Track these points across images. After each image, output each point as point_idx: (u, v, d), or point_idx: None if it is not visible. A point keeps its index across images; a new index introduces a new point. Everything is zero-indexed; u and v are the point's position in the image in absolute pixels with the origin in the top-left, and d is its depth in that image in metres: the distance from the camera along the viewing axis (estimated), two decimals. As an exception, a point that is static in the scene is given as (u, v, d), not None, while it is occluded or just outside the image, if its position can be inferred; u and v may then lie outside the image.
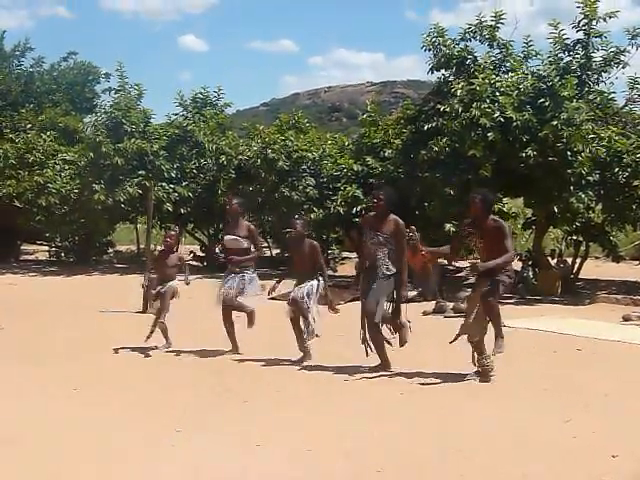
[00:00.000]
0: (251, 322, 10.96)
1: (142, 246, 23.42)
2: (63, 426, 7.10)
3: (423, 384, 8.87)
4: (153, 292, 11.48)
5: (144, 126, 24.76)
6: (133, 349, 11.03)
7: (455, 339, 9.29)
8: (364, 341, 9.77)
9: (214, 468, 5.94)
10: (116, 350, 10.93)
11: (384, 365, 9.62)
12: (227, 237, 10.99)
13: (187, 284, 11.37)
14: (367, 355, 9.66)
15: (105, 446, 6.48)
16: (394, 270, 9.47)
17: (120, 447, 6.45)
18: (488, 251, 9.04)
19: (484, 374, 9.09)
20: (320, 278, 10.44)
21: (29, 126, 27.07)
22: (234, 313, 10.98)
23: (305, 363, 10.20)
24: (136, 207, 23.84)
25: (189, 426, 7.04)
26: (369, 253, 9.62)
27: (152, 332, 11.13)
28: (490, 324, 9.10)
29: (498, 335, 9.14)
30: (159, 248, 16.60)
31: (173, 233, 12.09)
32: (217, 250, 11.05)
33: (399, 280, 9.54)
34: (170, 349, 11.03)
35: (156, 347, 11.06)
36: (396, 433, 6.88)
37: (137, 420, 7.31)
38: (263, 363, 10.17)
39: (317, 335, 10.38)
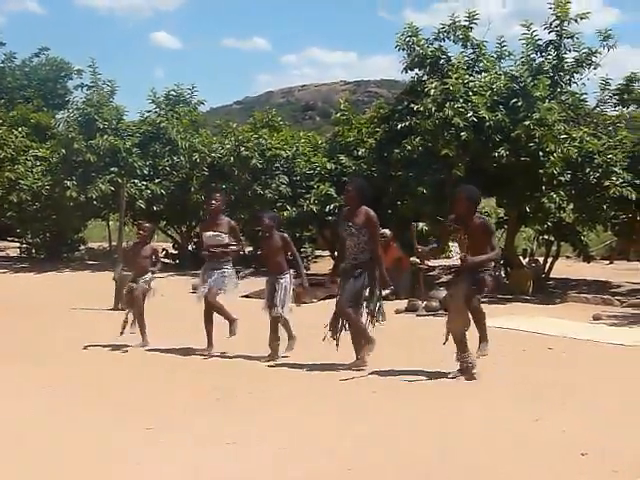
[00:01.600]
0: (232, 332, 10.90)
1: (114, 243, 23.28)
2: (32, 424, 7.06)
3: (395, 383, 8.89)
4: (125, 289, 11.49)
5: (117, 123, 24.64)
6: (104, 347, 11.00)
7: (447, 339, 9.30)
8: (333, 334, 9.80)
9: (185, 465, 5.93)
10: (86, 347, 10.89)
11: (367, 344, 9.63)
12: (207, 234, 10.91)
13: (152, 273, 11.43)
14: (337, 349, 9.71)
15: (83, 444, 6.45)
16: (362, 259, 9.50)
17: (88, 447, 6.42)
18: (473, 248, 9.05)
19: (467, 371, 9.12)
20: (291, 271, 10.51)
21: (0, 122, 26.85)
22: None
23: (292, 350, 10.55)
24: (108, 204, 23.71)
25: (163, 425, 7.01)
26: (344, 245, 9.67)
27: (124, 327, 11.16)
28: (474, 324, 9.15)
29: (483, 338, 9.19)
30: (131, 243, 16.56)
31: (147, 225, 12.07)
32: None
33: (376, 268, 9.54)
34: (146, 348, 11.01)
35: (127, 346, 11.05)
36: (369, 432, 6.89)
37: (112, 420, 7.28)
38: (242, 362, 10.16)
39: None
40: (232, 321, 10.90)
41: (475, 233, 9.04)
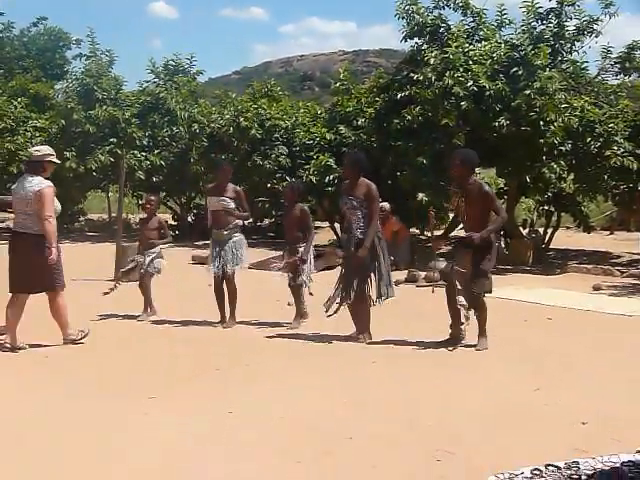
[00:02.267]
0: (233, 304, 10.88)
1: (114, 214, 23.27)
2: (31, 392, 7.07)
3: (395, 353, 8.90)
4: (131, 262, 11.50)
5: (116, 93, 24.64)
6: (104, 317, 11.01)
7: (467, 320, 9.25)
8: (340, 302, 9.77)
9: (185, 435, 5.94)
10: (86, 318, 10.89)
11: (363, 334, 9.61)
12: (213, 199, 10.70)
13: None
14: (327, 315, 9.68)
15: (76, 415, 6.46)
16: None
17: (91, 415, 6.43)
18: (472, 215, 8.99)
19: (456, 339, 9.13)
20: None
21: (-1, 92, 26.81)
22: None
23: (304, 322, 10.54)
24: (108, 175, 23.74)
25: (161, 395, 7.02)
26: (346, 218, 9.63)
27: (111, 290, 11.25)
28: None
29: (481, 335, 9.15)
30: (132, 217, 16.62)
31: (153, 198, 12.03)
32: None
33: (364, 241, 9.38)
34: (153, 318, 11.03)
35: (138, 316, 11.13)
36: (368, 402, 6.90)
37: (108, 388, 7.29)
38: (241, 333, 10.17)
39: (310, 293, 10.59)
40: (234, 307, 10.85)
41: (472, 198, 8.96)
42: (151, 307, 11.26)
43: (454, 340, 9.20)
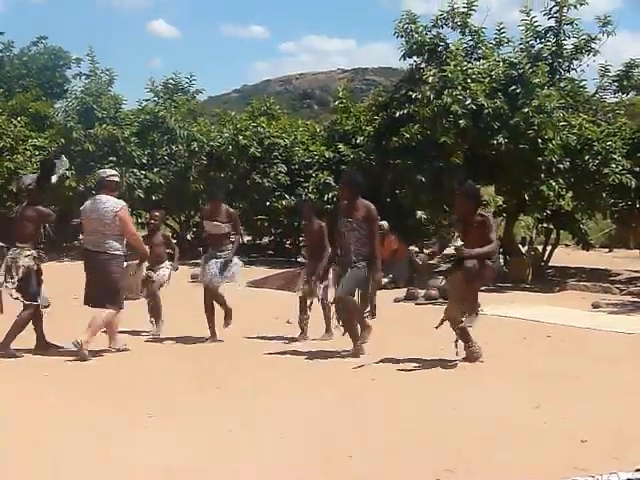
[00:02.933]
0: (228, 321, 10.90)
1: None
2: (32, 408, 7.06)
3: (395, 370, 8.89)
4: (141, 278, 11.53)
5: (115, 112, 24.64)
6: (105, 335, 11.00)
7: (440, 324, 9.29)
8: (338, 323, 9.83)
9: (186, 453, 5.93)
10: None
11: (357, 342, 9.62)
12: (207, 222, 10.90)
13: (175, 270, 11.48)
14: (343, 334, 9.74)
15: (78, 430, 6.45)
16: (364, 254, 9.42)
17: (92, 430, 6.42)
18: (471, 244, 9.02)
19: (472, 360, 9.13)
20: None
21: (-1, 111, 26.82)
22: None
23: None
24: (107, 193, 23.70)
25: (161, 411, 7.01)
26: (342, 240, 9.60)
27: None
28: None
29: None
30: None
31: (157, 214, 12.06)
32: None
33: (372, 265, 9.44)
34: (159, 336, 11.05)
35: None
36: (368, 419, 6.89)
37: (109, 405, 7.28)
38: (241, 349, 10.17)
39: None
40: (228, 310, 10.88)
41: (475, 230, 9.00)
42: (160, 319, 11.33)
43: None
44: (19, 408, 7.20)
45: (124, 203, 9.71)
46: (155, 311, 11.33)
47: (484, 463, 5.70)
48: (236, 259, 10.84)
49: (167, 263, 11.52)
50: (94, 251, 9.62)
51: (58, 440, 6.21)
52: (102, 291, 9.62)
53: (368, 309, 9.95)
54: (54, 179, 10.05)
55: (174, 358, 9.59)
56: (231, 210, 11.07)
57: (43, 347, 9.85)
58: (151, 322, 11.35)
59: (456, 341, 9.19)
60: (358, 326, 9.66)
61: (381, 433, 6.46)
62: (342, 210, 9.71)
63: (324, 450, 5.98)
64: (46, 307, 10.22)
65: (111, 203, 9.55)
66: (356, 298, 9.52)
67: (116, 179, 9.96)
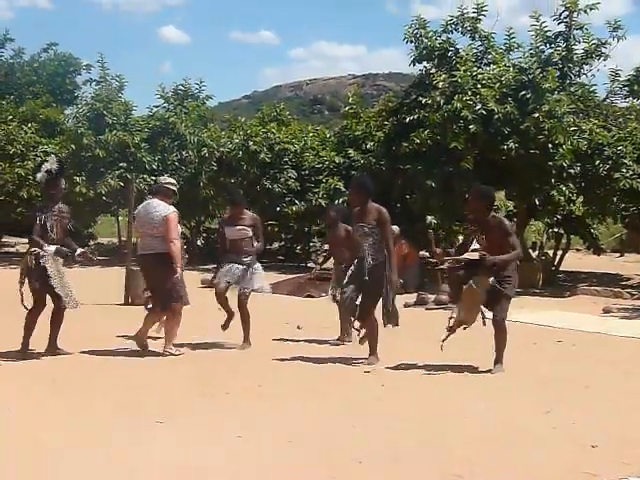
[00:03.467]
0: (226, 326, 10.89)
1: (124, 238, 23.33)
2: (36, 417, 7.07)
3: (404, 376, 8.88)
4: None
5: (125, 118, 24.71)
6: (112, 341, 11.00)
7: (450, 333, 9.24)
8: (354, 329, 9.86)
9: (192, 457, 5.93)
10: (94, 342, 10.89)
11: (372, 354, 9.61)
12: (229, 228, 10.76)
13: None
14: (361, 343, 9.74)
15: (84, 437, 6.45)
16: (381, 259, 9.41)
17: (100, 437, 6.42)
18: (491, 249, 8.96)
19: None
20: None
21: (10, 118, 26.87)
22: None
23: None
24: (117, 199, 23.78)
25: (170, 418, 7.01)
26: (357, 245, 9.58)
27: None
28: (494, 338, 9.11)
29: (498, 360, 9.10)
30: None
31: None
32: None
33: (389, 265, 9.39)
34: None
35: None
36: (377, 425, 6.88)
37: (117, 412, 7.28)
38: (247, 353, 10.18)
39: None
40: (230, 315, 10.87)
41: (492, 233, 8.97)
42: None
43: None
44: (21, 413, 7.21)
45: (175, 209, 10.13)
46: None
47: (493, 468, 5.69)
48: (259, 265, 10.84)
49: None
50: (146, 254, 10.11)
51: (65, 443, 6.22)
52: (160, 292, 10.02)
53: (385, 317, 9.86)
54: (39, 176, 10.07)
55: (183, 364, 9.58)
56: (255, 215, 11.04)
57: (53, 351, 9.87)
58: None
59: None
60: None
61: (390, 439, 6.44)
62: (355, 215, 9.71)
63: (333, 456, 5.98)
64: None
65: (162, 207, 9.98)
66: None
67: (173, 187, 10.41)
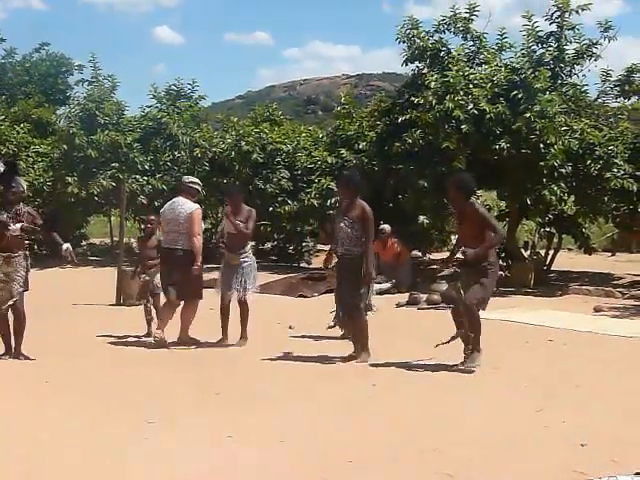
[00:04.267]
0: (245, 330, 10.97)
1: (116, 239, 23.32)
2: (31, 419, 7.07)
3: (396, 376, 8.90)
4: (140, 282, 11.69)
5: (118, 118, 24.62)
6: (105, 341, 11.01)
7: (452, 340, 9.28)
8: (342, 327, 9.87)
9: (186, 459, 5.94)
10: (86, 342, 10.90)
11: (361, 352, 9.63)
12: (226, 221, 10.95)
13: None
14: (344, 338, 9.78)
15: (73, 443, 6.46)
16: (357, 252, 9.45)
17: (92, 439, 6.43)
18: (468, 234, 9.10)
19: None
20: None
21: (2, 118, 26.79)
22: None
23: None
24: (110, 200, 23.74)
25: (161, 418, 7.02)
26: (339, 238, 9.65)
27: (150, 324, 11.30)
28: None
29: (474, 348, 9.12)
30: (134, 241, 16.69)
31: (153, 217, 12.18)
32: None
33: (365, 260, 9.42)
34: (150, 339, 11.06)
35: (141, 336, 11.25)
36: (369, 425, 6.90)
37: (108, 411, 7.28)
38: (238, 354, 10.19)
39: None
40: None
41: (470, 220, 9.05)
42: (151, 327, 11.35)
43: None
44: (17, 419, 7.21)
45: (199, 207, 10.83)
46: (158, 317, 11.30)
47: (485, 467, 5.71)
48: (252, 262, 10.93)
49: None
50: (171, 248, 10.61)
51: (57, 445, 6.23)
52: (183, 285, 10.54)
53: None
54: None
55: (174, 365, 9.59)
56: (252, 210, 10.98)
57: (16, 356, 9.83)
58: (149, 330, 11.35)
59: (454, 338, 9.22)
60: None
61: (381, 439, 6.46)
62: (341, 208, 9.83)
63: (324, 456, 5.99)
64: None
65: (188, 205, 10.64)
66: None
67: (197, 187, 11.03)
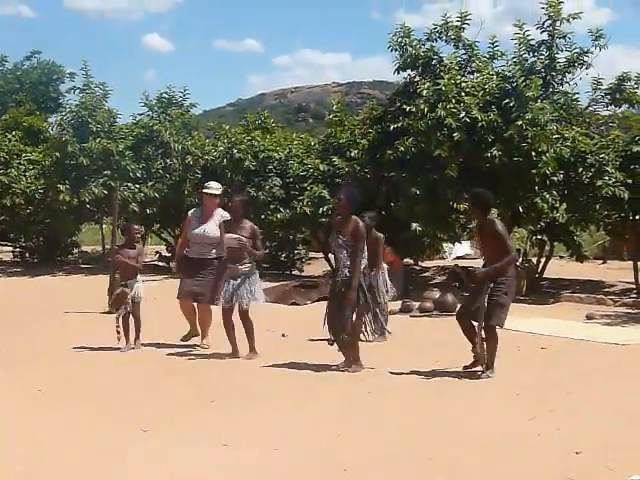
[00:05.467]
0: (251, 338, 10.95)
1: (107, 247, 23.29)
2: (26, 427, 7.05)
3: (390, 383, 8.90)
4: (116, 292, 11.44)
5: (109, 126, 24.61)
6: (97, 349, 10.98)
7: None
8: (334, 341, 9.81)
9: (182, 467, 5.93)
10: (79, 350, 10.87)
11: (353, 364, 9.62)
12: (228, 235, 10.60)
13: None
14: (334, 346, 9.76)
15: (72, 446, 6.44)
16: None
17: (87, 446, 6.41)
18: (488, 251, 9.30)
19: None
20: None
21: (-7, 126, 26.81)
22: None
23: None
24: (101, 207, 23.71)
25: (156, 426, 7.01)
26: (335, 256, 9.67)
27: (119, 333, 11.11)
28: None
29: (490, 365, 9.20)
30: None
31: (137, 227, 11.98)
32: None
33: (349, 283, 9.38)
34: (139, 350, 11.00)
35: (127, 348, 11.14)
36: (363, 433, 6.89)
37: (104, 420, 7.27)
38: (231, 361, 10.18)
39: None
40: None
41: (488, 236, 9.14)
42: (138, 338, 11.24)
43: (479, 361, 9.32)
44: (15, 420, 7.19)
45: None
46: (136, 326, 11.23)
47: (479, 474, 5.72)
48: (256, 276, 10.81)
49: (140, 278, 11.41)
50: (195, 258, 11.18)
51: (53, 453, 6.22)
52: (205, 289, 10.96)
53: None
54: None
55: (169, 372, 9.58)
56: (254, 226, 10.80)
57: None
58: (118, 338, 11.19)
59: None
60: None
61: (376, 446, 6.46)
62: (336, 225, 9.76)
63: (319, 465, 5.99)
64: None
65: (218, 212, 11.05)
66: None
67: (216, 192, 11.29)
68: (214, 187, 11.34)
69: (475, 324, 9.23)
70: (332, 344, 9.75)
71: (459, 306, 9.44)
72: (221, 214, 11.05)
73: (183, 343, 11.21)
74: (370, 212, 11.76)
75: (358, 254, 9.40)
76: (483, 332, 9.13)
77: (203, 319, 11.24)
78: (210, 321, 11.27)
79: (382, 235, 11.69)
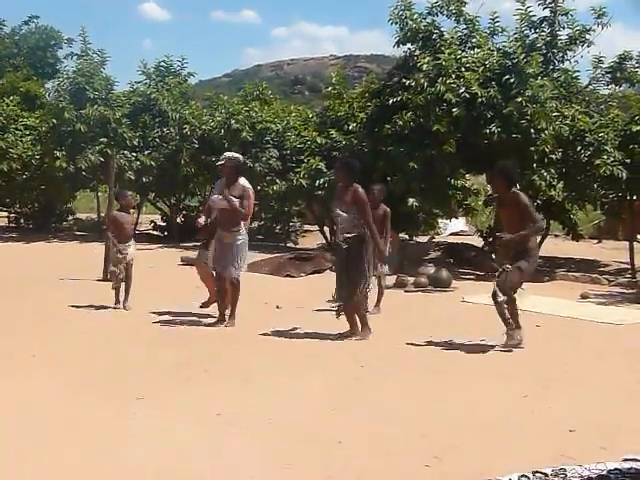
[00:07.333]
0: (206, 305, 11.04)
1: (102, 214, 23.22)
2: (18, 394, 7.05)
3: (383, 359, 8.90)
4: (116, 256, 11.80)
5: (107, 93, 24.49)
6: (92, 317, 10.98)
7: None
8: (338, 308, 9.87)
9: (174, 437, 5.93)
10: (73, 318, 10.87)
11: (363, 328, 9.72)
12: (215, 197, 10.62)
13: None
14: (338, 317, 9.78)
15: (63, 416, 6.44)
16: (356, 233, 9.50)
17: (80, 416, 6.41)
18: (509, 223, 9.39)
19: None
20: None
21: (-11, 90, 26.68)
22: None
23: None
24: (97, 175, 23.63)
25: (150, 394, 7.01)
26: (338, 225, 9.76)
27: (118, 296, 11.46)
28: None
29: (516, 326, 9.46)
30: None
31: (130, 193, 12.46)
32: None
33: (372, 239, 9.56)
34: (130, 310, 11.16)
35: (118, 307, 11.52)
36: (357, 406, 6.90)
37: (96, 389, 7.27)
38: (226, 334, 10.17)
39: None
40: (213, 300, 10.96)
41: (511, 208, 9.19)
42: (127, 295, 11.75)
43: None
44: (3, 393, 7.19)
45: (250, 186, 10.76)
46: (127, 285, 11.77)
47: (472, 451, 5.72)
48: (245, 237, 10.73)
49: (133, 240, 12.06)
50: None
51: (46, 424, 6.22)
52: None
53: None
54: None
55: (161, 343, 9.57)
56: (246, 186, 10.71)
57: None
58: (118, 301, 11.63)
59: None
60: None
61: (370, 420, 6.47)
62: (337, 193, 9.85)
63: (313, 437, 6.00)
64: None
65: (240, 182, 10.55)
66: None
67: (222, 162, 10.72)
68: (222, 158, 10.92)
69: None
70: (339, 317, 9.81)
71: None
72: (242, 183, 10.69)
73: (188, 311, 11.23)
74: (377, 185, 11.86)
75: (367, 214, 9.55)
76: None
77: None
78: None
79: (389, 209, 11.73)
